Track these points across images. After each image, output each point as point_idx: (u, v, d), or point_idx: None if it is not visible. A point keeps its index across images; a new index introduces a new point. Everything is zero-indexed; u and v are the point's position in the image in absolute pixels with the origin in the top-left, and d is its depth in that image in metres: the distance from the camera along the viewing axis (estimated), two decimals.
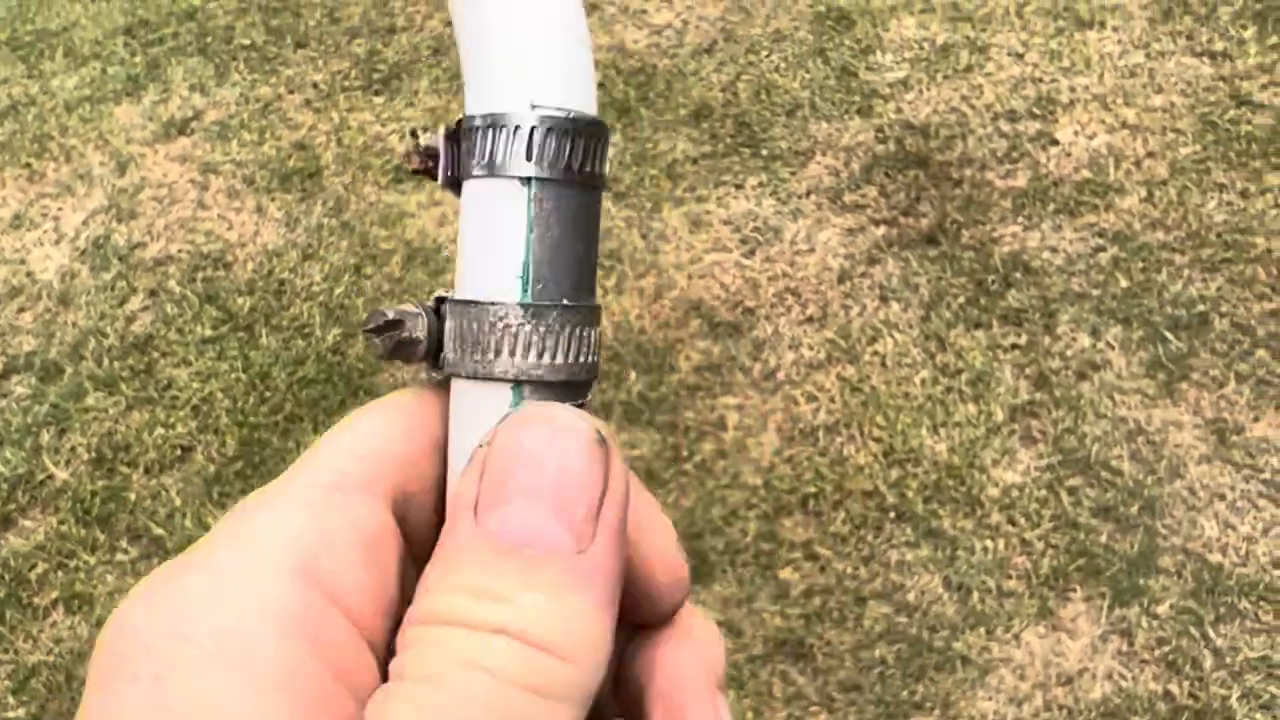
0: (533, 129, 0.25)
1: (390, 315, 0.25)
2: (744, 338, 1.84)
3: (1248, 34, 2.09)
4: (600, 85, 2.30)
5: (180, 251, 2.16)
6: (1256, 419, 1.58)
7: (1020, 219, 1.90)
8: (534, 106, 0.25)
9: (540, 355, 0.24)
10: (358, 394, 1.88)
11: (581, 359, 0.25)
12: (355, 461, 0.24)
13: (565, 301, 0.25)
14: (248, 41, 2.57)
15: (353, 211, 2.16)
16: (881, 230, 1.94)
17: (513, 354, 0.24)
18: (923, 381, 1.72)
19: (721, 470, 1.69)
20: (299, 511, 0.23)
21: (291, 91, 2.44)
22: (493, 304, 0.25)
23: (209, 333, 2.01)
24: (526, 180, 0.25)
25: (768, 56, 2.28)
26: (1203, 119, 1.97)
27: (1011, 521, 1.55)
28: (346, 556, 0.23)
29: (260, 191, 2.24)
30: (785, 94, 2.20)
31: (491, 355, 0.24)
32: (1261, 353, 1.65)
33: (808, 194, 2.03)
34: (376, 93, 2.39)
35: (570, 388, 0.25)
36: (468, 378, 0.25)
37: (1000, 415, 1.66)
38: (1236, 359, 1.65)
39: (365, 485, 0.24)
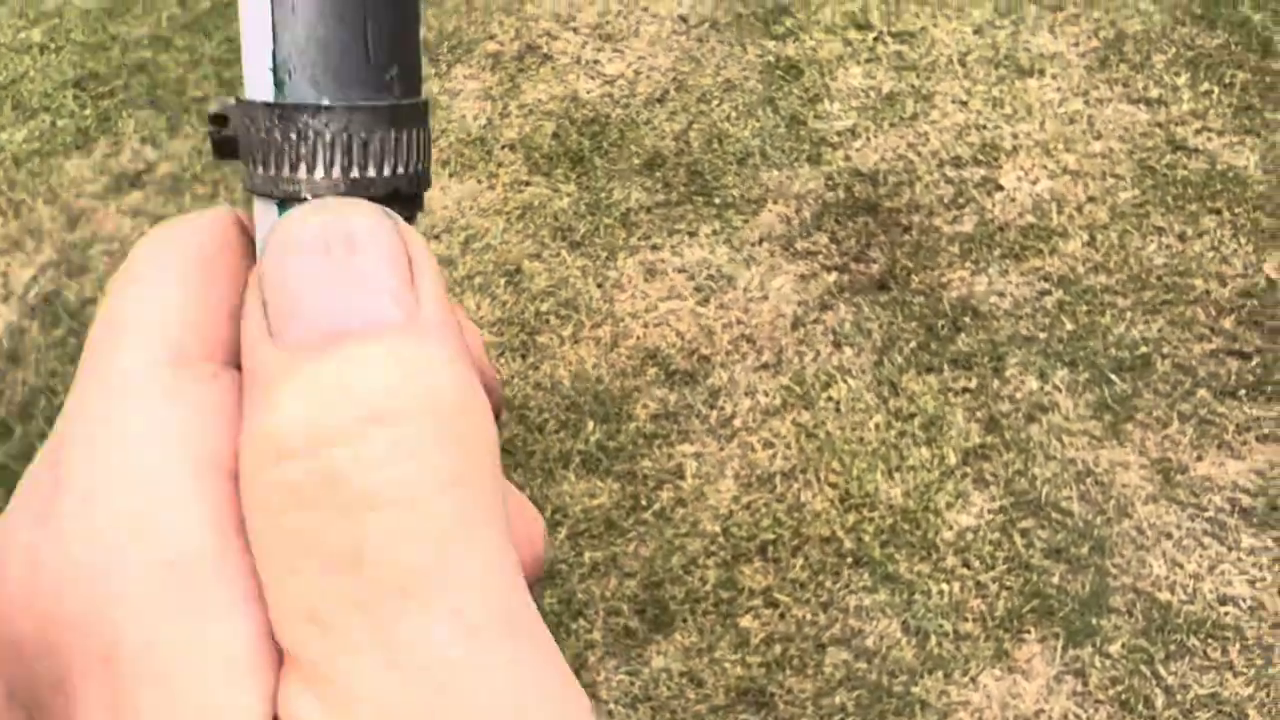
0: None
1: (216, 108, 0.22)
2: (700, 385, 1.86)
3: (1181, 81, 2.16)
4: (554, 136, 2.33)
5: None
6: (1199, 458, 1.63)
7: (968, 264, 1.94)
8: None
9: (294, 168, 0.20)
10: None
11: (367, 173, 0.20)
12: (181, 329, 0.20)
13: (325, 101, 0.20)
14: (200, 94, 2.57)
15: None
16: (833, 277, 1.98)
17: (268, 167, 0.20)
18: (877, 426, 1.75)
19: (680, 518, 1.70)
20: (169, 403, 0.19)
21: None
22: (250, 105, 0.21)
23: None
24: None
25: (719, 105, 2.32)
26: (1140, 164, 2.03)
27: (966, 564, 1.58)
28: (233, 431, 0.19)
29: None
30: (736, 142, 2.24)
31: (259, 167, 0.21)
32: (1203, 392, 1.69)
33: (760, 241, 2.06)
34: None
35: None
36: (250, 191, 0.21)
37: (953, 459, 1.69)
38: (1179, 399, 1.69)
39: (208, 353, 0.20)
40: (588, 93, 2.41)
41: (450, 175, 2.30)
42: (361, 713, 0.17)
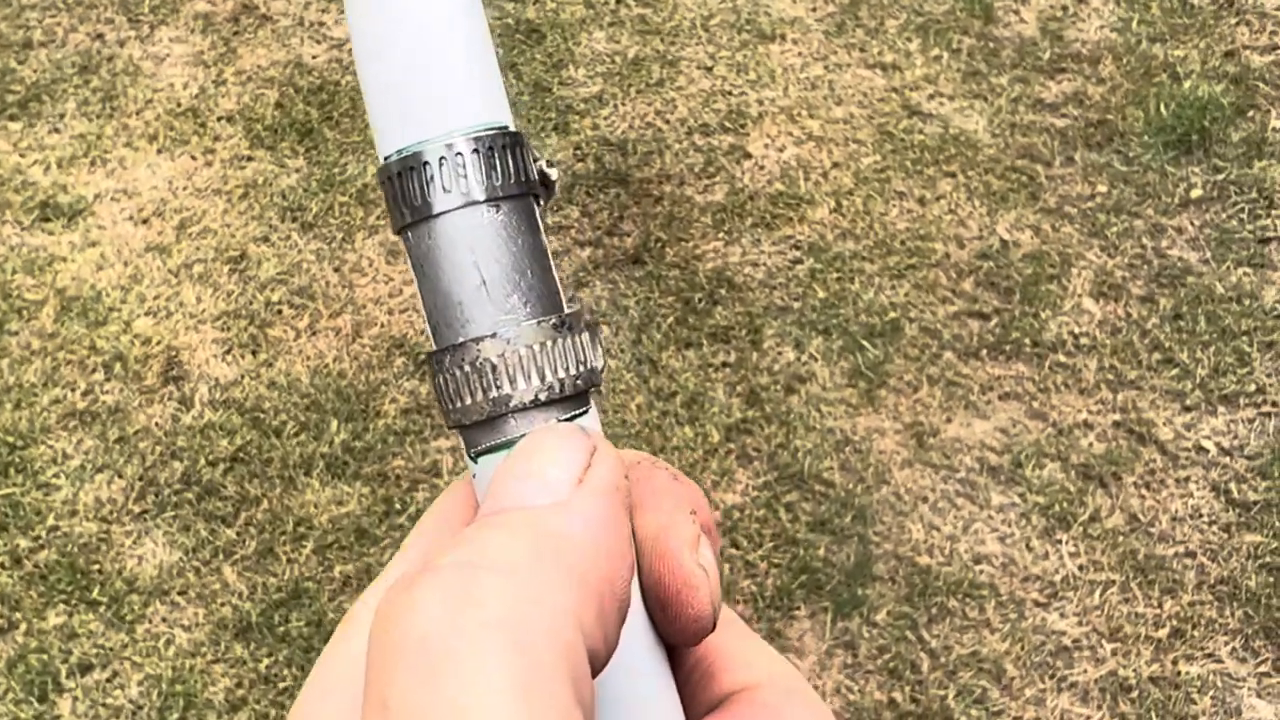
0: (441, 159, 0.24)
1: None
2: None
3: (913, 46, 2.21)
4: (278, 106, 2.13)
5: None
6: (949, 420, 1.66)
7: (721, 235, 1.91)
8: (446, 135, 0.24)
9: (456, 401, 0.25)
10: None
11: (517, 385, 0.24)
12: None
13: (457, 339, 0.24)
14: None
15: None
16: (587, 252, 1.90)
17: (461, 399, 0.24)
18: (639, 408, 1.69)
19: None
20: None
21: None
22: (431, 356, 0.25)
23: None
24: (420, 221, 0.24)
25: None
26: (880, 129, 2.06)
27: (735, 545, 1.55)
28: None
29: None
30: None
31: (450, 404, 0.25)
32: (948, 355, 1.73)
33: None
34: (12, 118, 2.10)
35: (556, 405, 0.25)
36: (452, 427, 0.26)
37: (716, 436, 1.65)
38: (927, 363, 1.73)
39: None
40: (313, 58, 2.22)
41: (159, 151, 2.06)
42: None
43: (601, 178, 2.01)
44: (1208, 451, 1.61)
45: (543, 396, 0.24)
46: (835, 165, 2.01)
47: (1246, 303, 1.77)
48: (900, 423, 1.66)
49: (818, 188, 1.97)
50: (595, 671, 0.21)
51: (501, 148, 0.24)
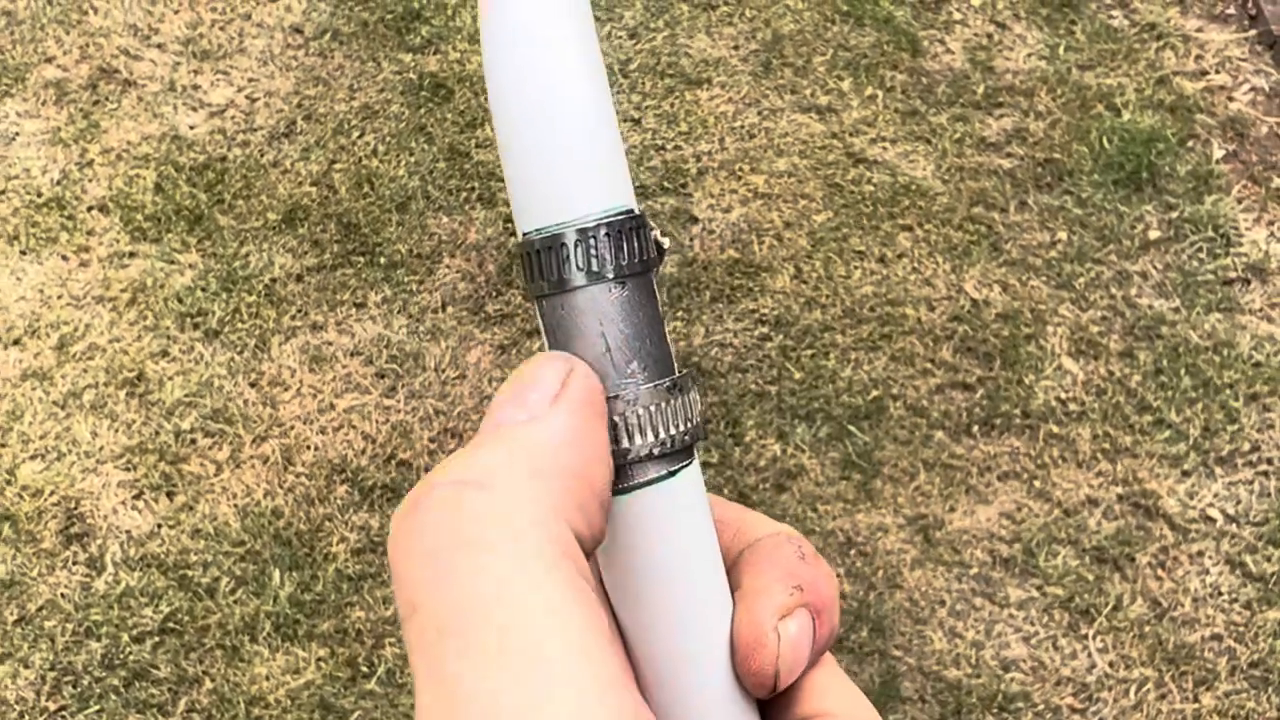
0: (578, 240, 0.27)
1: None
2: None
3: (845, 85, 2.10)
4: (157, 189, 1.87)
5: None
6: (951, 509, 1.57)
7: (680, 313, 1.76)
8: (583, 218, 0.27)
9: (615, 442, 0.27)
10: None
11: (635, 440, 0.27)
12: None
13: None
14: None
15: None
16: (537, 343, 1.72)
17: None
18: None
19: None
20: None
21: None
22: None
23: None
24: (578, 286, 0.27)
25: (360, 138, 1.97)
26: (827, 182, 1.95)
27: None
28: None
29: None
30: (391, 183, 1.91)
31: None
32: (939, 435, 1.64)
33: (444, 306, 1.76)
34: None
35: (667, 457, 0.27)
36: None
37: None
38: (919, 445, 1.62)
39: None
40: (191, 128, 1.96)
41: (22, 253, 1.78)
42: None
43: None
44: (1215, 521, 1.56)
45: (656, 451, 0.27)
46: (788, 225, 1.89)
47: (1225, 352, 1.73)
48: (902, 516, 1.55)
49: (774, 252, 1.84)
50: (588, 553, 0.24)
51: (629, 230, 0.27)
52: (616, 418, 0.26)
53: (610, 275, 0.26)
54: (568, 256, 0.26)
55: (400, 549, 0.24)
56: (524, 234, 0.27)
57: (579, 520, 0.24)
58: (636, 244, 0.27)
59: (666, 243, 0.28)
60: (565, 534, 0.24)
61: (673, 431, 0.27)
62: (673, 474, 0.27)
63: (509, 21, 0.27)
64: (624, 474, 0.27)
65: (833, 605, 0.29)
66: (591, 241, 0.26)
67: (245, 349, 1.69)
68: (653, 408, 0.27)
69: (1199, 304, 1.80)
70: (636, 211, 0.27)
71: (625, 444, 0.26)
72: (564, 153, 0.27)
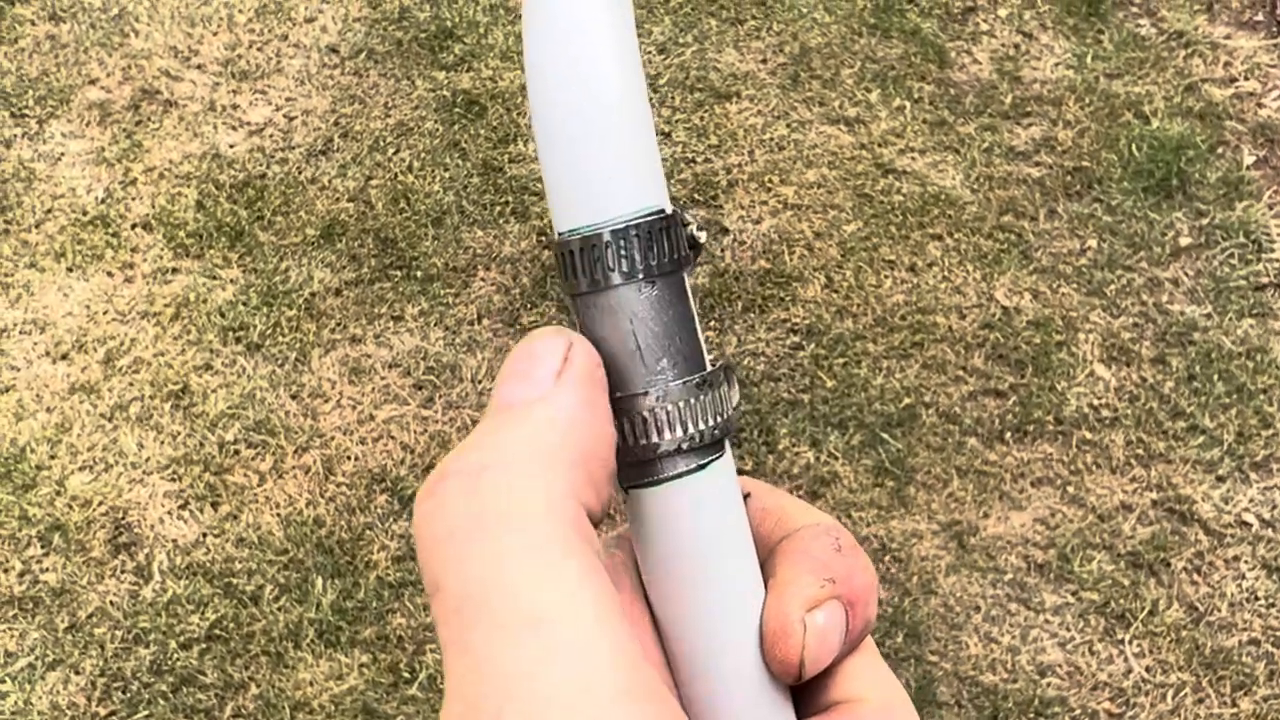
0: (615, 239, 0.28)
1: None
2: None
3: (873, 97, 2.12)
4: (199, 206, 1.91)
5: None
6: (985, 515, 1.57)
7: (713, 323, 1.78)
8: (616, 219, 0.27)
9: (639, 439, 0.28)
10: None
11: (656, 435, 0.28)
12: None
13: (617, 395, 0.28)
14: None
15: None
16: None
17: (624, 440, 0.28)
18: None
19: None
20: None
21: None
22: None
23: None
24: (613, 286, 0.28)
25: (396, 154, 2.00)
26: (857, 192, 1.96)
27: None
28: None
29: None
30: (427, 198, 1.94)
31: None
32: (972, 441, 1.64)
33: (479, 319, 1.79)
34: None
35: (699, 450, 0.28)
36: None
37: None
38: (952, 452, 1.63)
39: None
40: (231, 147, 2.01)
41: (69, 270, 1.83)
42: None
43: None
44: (1250, 526, 1.56)
45: (685, 445, 0.27)
46: (818, 235, 1.90)
47: (1258, 358, 1.73)
48: (936, 523, 1.56)
49: (804, 262, 1.86)
50: (597, 523, 0.26)
51: (660, 230, 0.28)
52: (646, 413, 0.27)
53: (640, 275, 0.27)
54: (599, 257, 0.27)
55: (422, 531, 0.25)
56: (559, 235, 0.28)
57: (590, 495, 0.25)
58: (667, 244, 0.28)
59: (703, 236, 0.29)
60: (578, 512, 0.25)
61: (702, 426, 0.27)
62: (702, 467, 0.28)
63: (553, 21, 0.27)
64: (654, 468, 0.28)
65: (868, 596, 0.29)
66: (622, 242, 0.27)
67: (286, 362, 1.72)
68: (681, 404, 0.27)
69: (1231, 310, 1.80)
70: (669, 211, 0.28)
71: (655, 439, 0.27)
72: (599, 157, 0.27)
